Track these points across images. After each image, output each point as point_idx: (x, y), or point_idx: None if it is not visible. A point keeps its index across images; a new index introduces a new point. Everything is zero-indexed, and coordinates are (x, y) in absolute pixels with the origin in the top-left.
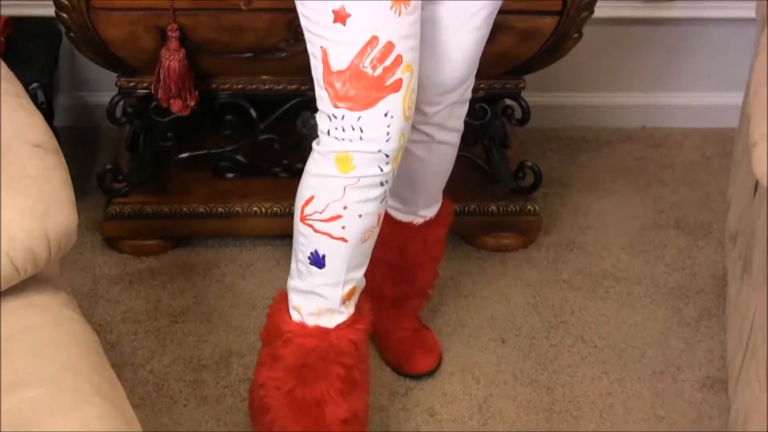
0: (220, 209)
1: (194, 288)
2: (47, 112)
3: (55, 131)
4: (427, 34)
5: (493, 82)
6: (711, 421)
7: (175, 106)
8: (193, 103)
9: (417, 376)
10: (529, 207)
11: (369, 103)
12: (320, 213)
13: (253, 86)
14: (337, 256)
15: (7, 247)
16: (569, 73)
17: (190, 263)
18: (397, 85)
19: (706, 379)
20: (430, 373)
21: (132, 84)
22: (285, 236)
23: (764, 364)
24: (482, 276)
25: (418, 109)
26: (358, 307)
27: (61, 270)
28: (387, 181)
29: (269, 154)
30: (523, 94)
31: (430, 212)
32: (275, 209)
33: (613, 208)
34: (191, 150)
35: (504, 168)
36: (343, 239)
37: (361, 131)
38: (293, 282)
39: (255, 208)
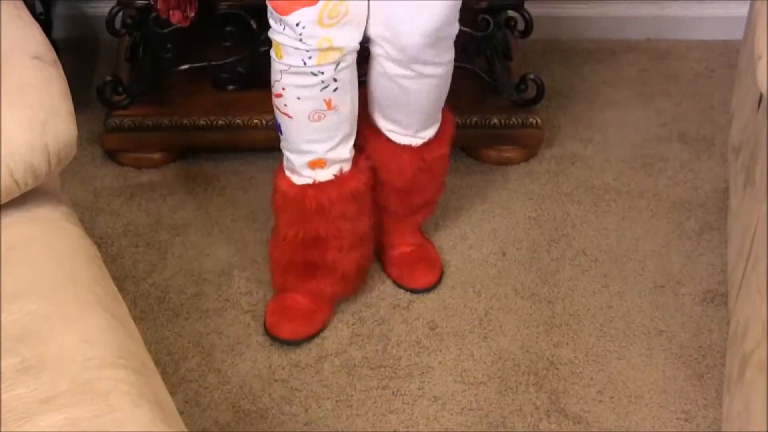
0: (220, 121)
1: (195, 201)
2: (45, 23)
3: (54, 43)
4: None
5: None
6: (711, 334)
7: (175, 17)
8: (192, 14)
9: (418, 291)
10: (531, 120)
11: (284, 11)
12: (272, 87)
13: None
14: (288, 128)
15: (6, 159)
16: None
17: (190, 176)
18: (312, 0)
19: (707, 293)
20: (431, 288)
21: None
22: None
23: (765, 275)
24: (483, 189)
25: (402, 50)
26: (342, 176)
27: (61, 183)
28: (322, 72)
29: (270, 66)
30: (526, 5)
31: (428, 133)
32: None
33: (615, 120)
34: (191, 62)
35: (506, 80)
36: (288, 115)
37: (283, 28)
38: None
39: (256, 121)
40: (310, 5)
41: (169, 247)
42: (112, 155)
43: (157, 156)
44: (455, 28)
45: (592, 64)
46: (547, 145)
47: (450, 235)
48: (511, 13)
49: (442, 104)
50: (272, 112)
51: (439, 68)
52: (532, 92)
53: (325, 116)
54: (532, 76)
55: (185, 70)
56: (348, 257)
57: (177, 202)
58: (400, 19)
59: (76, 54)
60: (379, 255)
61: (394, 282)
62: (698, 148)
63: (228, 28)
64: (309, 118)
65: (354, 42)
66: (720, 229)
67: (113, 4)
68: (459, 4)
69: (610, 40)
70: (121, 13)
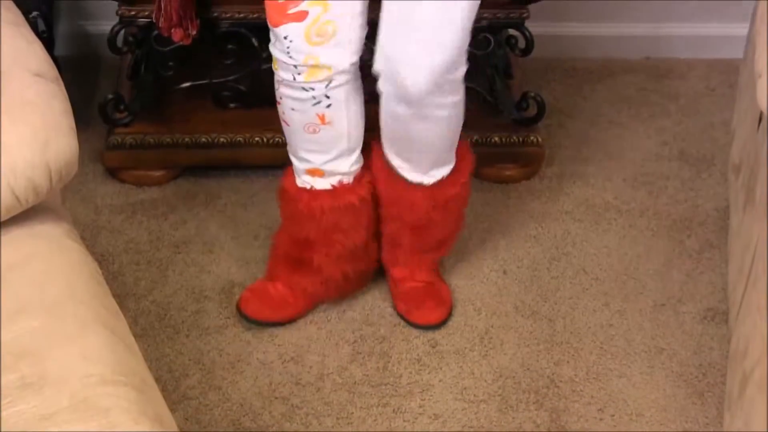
0: (222, 139)
1: (196, 218)
2: (47, 41)
3: (56, 60)
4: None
5: (496, 11)
6: (711, 352)
7: (177, 35)
8: (194, 32)
9: (422, 327)
10: (531, 138)
11: (275, 23)
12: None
13: (255, 15)
14: (287, 135)
15: (7, 176)
16: (573, 2)
17: (192, 193)
18: (299, 16)
19: (707, 311)
20: (437, 326)
21: (133, 13)
22: (287, 166)
23: (765, 293)
24: (484, 207)
25: (405, 93)
26: (340, 188)
27: (62, 200)
28: (312, 89)
29: (271, 84)
30: (527, 23)
31: (441, 172)
32: (277, 139)
33: (616, 139)
34: (193, 79)
35: (507, 98)
36: (286, 123)
37: (275, 40)
38: None
39: (257, 138)
40: (297, 21)
41: (170, 264)
42: (114, 173)
43: (158, 173)
44: (461, 71)
45: (593, 82)
46: (548, 163)
47: (450, 253)
48: (511, 31)
49: (454, 145)
50: (273, 129)
51: (445, 110)
52: (532, 110)
53: (319, 130)
54: (532, 95)
55: (187, 87)
56: (335, 265)
57: (178, 220)
58: (403, 62)
59: (78, 71)
60: (390, 288)
61: (402, 318)
62: (699, 167)
63: (229, 46)
64: (304, 129)
65: (343, 63)
66: (720, 247)
67: (115, 22)
68: (465, 46)
69: (610, 58)
70: (122, 31)
